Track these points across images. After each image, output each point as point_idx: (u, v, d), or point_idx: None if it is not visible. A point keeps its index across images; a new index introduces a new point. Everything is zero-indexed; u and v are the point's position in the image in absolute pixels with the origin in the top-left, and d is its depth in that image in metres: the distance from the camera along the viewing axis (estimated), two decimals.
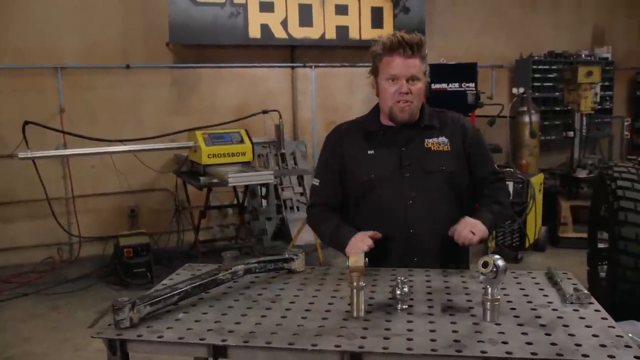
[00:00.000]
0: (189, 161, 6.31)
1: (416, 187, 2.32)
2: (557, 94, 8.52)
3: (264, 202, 6.99)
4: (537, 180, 6.36)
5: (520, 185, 6.02)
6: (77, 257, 6.60)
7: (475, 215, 2.30)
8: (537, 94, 8.39)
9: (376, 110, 2.45)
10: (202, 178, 5.72)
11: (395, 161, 2.35)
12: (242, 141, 5.94)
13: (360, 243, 2.23)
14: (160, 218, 6.98)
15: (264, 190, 6.75)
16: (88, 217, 6.75)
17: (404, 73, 2.24)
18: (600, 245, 4.76)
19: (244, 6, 7.02)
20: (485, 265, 1.71)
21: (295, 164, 7.35)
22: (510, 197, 2.49)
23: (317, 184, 2.51)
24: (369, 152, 2.38)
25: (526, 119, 7.06)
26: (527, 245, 6.12)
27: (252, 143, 5.97)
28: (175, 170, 6.56)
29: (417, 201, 2.32)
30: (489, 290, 1.72)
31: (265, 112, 6.59)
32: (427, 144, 2.36)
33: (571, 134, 6.78)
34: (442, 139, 2.38)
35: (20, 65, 6.29)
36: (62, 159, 6.49)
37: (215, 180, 5.62)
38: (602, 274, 4.58)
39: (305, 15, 7.36)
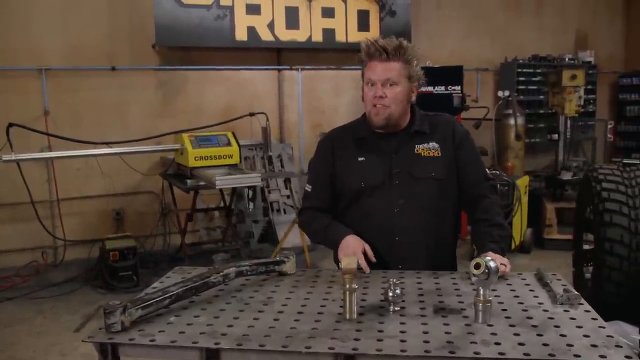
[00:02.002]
0: (175, 164, 6.27)
1: (405, 195, 2.31)
2: (541, 97, 8.62)
3: (251, 204, 6.98)
4: (523, 182, 6.42)
5: (506, 188, 6.07)
6: (62, 261, 6.52)
7: (484, 252, 2.19)
8: (521, 97, 8.48)
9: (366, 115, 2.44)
10: (189, 181, 5.69)
11: (385, 168, 2.34)
12: (229, 144, 5.92)
13: (355, 246, 2.24)
14: (146, 221, 6.93)
15: (250, 192, 6.73)
16: (73, 220, 6.68)
17: (379, 77, 2.24)
18: (586, 247, 4.80)
19: (231, 8, 7.01)
20: (477, 266, 1.72)
21: (282, 166, 7.35)
22: (502, 208, 2.46)
23: (309, 189, 2.50)
24: (359, 158, 2.37)
25: (511, 121, 7.13)
26: (512, 247, 6.16)
27: (239, 145, 5.95)
28: (161, 172, 6.53)
29: (405, 209, 2.31)
30: (481, 292, 1.73)
31: (252, 114, 6.58)
32: (417, 150, 2.35)
33: (555, 136, 6.85)
34: (433, 144, 2.35)
35: (3, 66, 6.22)
36: (46, 161, 6.43)
37: (202, 183, 5.59)
38: (588, 275, 4.62)
39: (292, 18, 7.36)
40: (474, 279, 1.74)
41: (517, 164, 7.18)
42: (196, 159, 5.71)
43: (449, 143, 2.37)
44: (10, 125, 5.32)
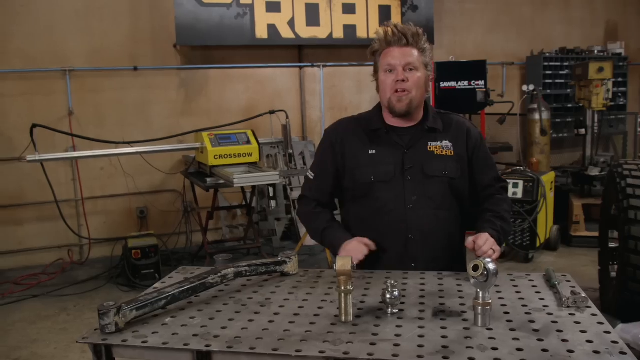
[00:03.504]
0: (196, 162, 6.32)
1: (417, 192, 2.27)
2: (569, 90, 8.41)
3: (273, 202, 6.98)
4: (548, 178, 6.26)
5: (531, 184, 5.94)
6: (87, 259, 6.62)
7: (482, 232, 2.20)
8: (548, 90, 8.29)
9: (379, 107, 2.39)
10: (208, 179, 5.71)
11: (397, 163, 2.28)
12: (248, 142, 5.92)
13: (355, 251, 2.20)
14: (170, 219, 7.00)
15: (271, 190, 6.72)
16: (98, 219, 6.79)
17: (400, 62, 2.21)
18: (612, 245, 4.66)
19: (251, 6, 7.01)
20: (475, 268, 1.66)
21: (304, 164, 7.32)
22: (512, 208, 2.43)
23: (311, 177, 2.45)
24: (370, 151, 2.32)
25: (536, 116, 6.97)
26: (538, 244, 6.02)
27: (258, 143, 5.95)
28: (183, 171, 6.58)
29: (417, 206, 2.26)
30: (480, 294, 1.67)
31: (272, 112, 6.57)
32: (430, 147, 2.30)
33: (583, 131, 6.65)
34: (446, 142, 2.32)
35: (28, 68, 6.34)
36: (71, 161, 6.53)
37: (221, 182, 5.61)
38: (614, 274, 4.49)
39: (312, 15, 7.33)
40: (472, 281, 1.68)
41: (543, 160, 7.01)
42: (216, 157, 5.73)
43: (462, 143, 2.34)
44: (34, 126, 5.41)
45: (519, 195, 5.96)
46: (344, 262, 1.73)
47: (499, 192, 2.41)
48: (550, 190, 6.26)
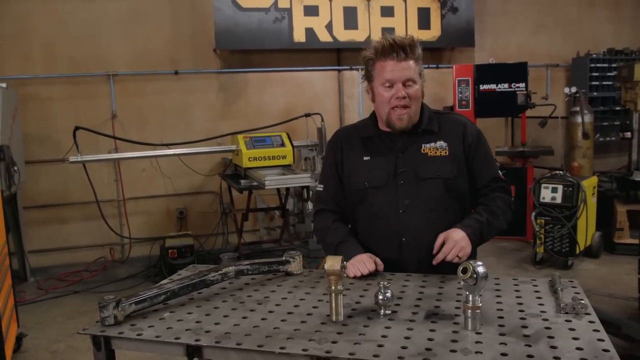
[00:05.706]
0: (233, 164, 6.43)
1: (410, 195, 2.26)
2: (616, 93, 8.11)
3: (310, 204, 7.01)
4: (590, 183, 6.06)
5: (570, 189, 5.76)
6: (127, 257, 6.84)
7: (461, 224, 2.20)
8: (595, 93, 8.02)
9: (373, 115, 2.41)
10: (242, 181, 5.80)
11: (390, 168, 2.29)
12: (282, 144, 5.98)
13: (361, 264, 2.19)
14: (208, 220, 7.13)
15: (305, 193, 6.76)
16: (139, 219, 6.99)
17: (400, 77, 2.18)
18: None
19: (289, 10, 7.08)
20: (464, 271, 1.64)
21: None
22: (511, 206, 2.36)
23: (321, 189, 2.48)
24: (365, 158, 2.34)
25: (578, 119, 6.76)
26: (577, 251, 5.84)
27: (292, 146, 6.01)
28: (220, 173, 6.71)
29: (410, 209, 2.26)
30: (470, 298, 1.65)
31: (307, 115, 6.61)
32: (423, 149, 2.29)
33: (628, 134, 6.40)
34: (441, 143, 2.30)
35: (74, 73, 6.60)
36: (113, 162, 6.76)
37: (254, 183, 5.69)
38: None
39: (350, 18, 7.34)
40: (462, 284, 1.67)
41: (585, 164, 6.79)
42: (250, 159, 5.81)
43: (458, 143, 2.31)
44: (77, 128, 5.63)
45: (558, 200, 5.80)
46: (333, 262, 1.74)
47: (496, 191, 2.36)
48: (592, 195, 6.07)
